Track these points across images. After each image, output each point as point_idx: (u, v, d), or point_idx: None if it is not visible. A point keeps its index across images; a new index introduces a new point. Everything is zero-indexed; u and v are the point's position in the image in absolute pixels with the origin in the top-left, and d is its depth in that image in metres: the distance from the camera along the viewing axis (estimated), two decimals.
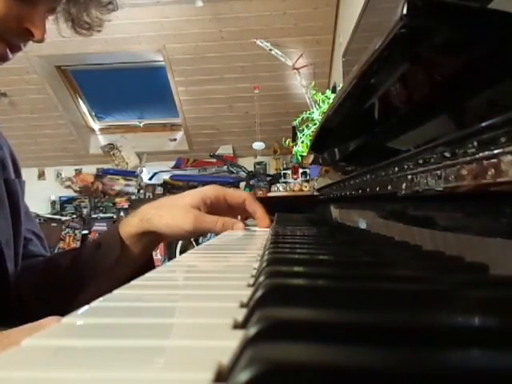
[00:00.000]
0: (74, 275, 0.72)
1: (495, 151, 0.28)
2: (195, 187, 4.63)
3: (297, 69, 3.51)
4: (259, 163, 4.71)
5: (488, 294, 0.21)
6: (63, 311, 0.24)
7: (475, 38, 0.31)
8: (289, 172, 3.48)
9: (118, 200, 4.66)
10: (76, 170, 4.88)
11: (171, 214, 0.69)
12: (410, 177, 0.44)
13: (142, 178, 4.73)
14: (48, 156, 4.75)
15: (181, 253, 3.46)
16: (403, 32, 0.32)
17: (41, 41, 0.62)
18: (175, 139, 4.75)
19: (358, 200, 0.77)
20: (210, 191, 0.72)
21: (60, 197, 4.84)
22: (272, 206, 0.93)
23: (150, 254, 0.78)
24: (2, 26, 0.59)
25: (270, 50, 3.46)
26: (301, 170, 3.35)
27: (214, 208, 0.72)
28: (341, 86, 1.62)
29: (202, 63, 3.92)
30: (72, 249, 0.79)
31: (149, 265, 0.75)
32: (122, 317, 0.21)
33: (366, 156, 0.72)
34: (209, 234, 3.99)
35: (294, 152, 2.74)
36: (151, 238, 0.73)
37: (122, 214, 4.57)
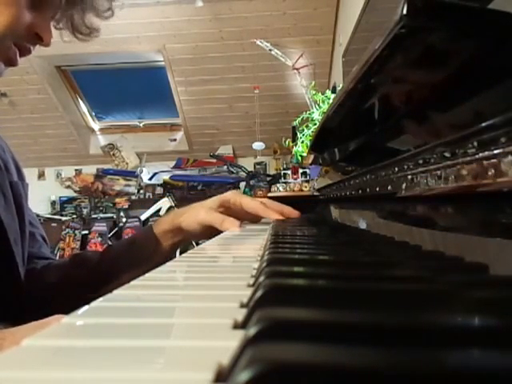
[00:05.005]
0: (105, 268, 0.80)
1: (495, 151, 0.28)
2: (195, 187, 4.59)
3: (297, 69, 3.51)
4: (259, 163, 4.71)
5: (488, 294, 0.21)
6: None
7: (475, 38, 0.31)
8: (289, 172, 3.47)
9: (117, 200, 4.66)
10: (76, 170, 4.88)
11: (194, 213, 0.80)
12: (409, 177, 0.44)
13: (141, 178, 4.73)
14: (48, 156, 4.75)
15: (181, 253, 3.45)
16: (403, 32, 0.32)
17: (48, 44, 0.66)
18: (175, 139, 4.75)
19: (357, 200, 0.77)
20: (228, 195, 0.82)
21: (60, 197, 4.84)
22: None
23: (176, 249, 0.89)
24: (15, 32, 0.62)
25: (270, 50, 3.46)
26: (301, 170, 3.34)
27: (233, 211, 0.81)
28: (341, 86, 1.62)
29: (202, 63, 3.92)
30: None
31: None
32: (122, 317, 0.21)
33: (366, 156, 0.72)
34: None
35: (293, 152, 2.74)
36: (180, 235, 0.84)
37: (121, 214, 4.57)
